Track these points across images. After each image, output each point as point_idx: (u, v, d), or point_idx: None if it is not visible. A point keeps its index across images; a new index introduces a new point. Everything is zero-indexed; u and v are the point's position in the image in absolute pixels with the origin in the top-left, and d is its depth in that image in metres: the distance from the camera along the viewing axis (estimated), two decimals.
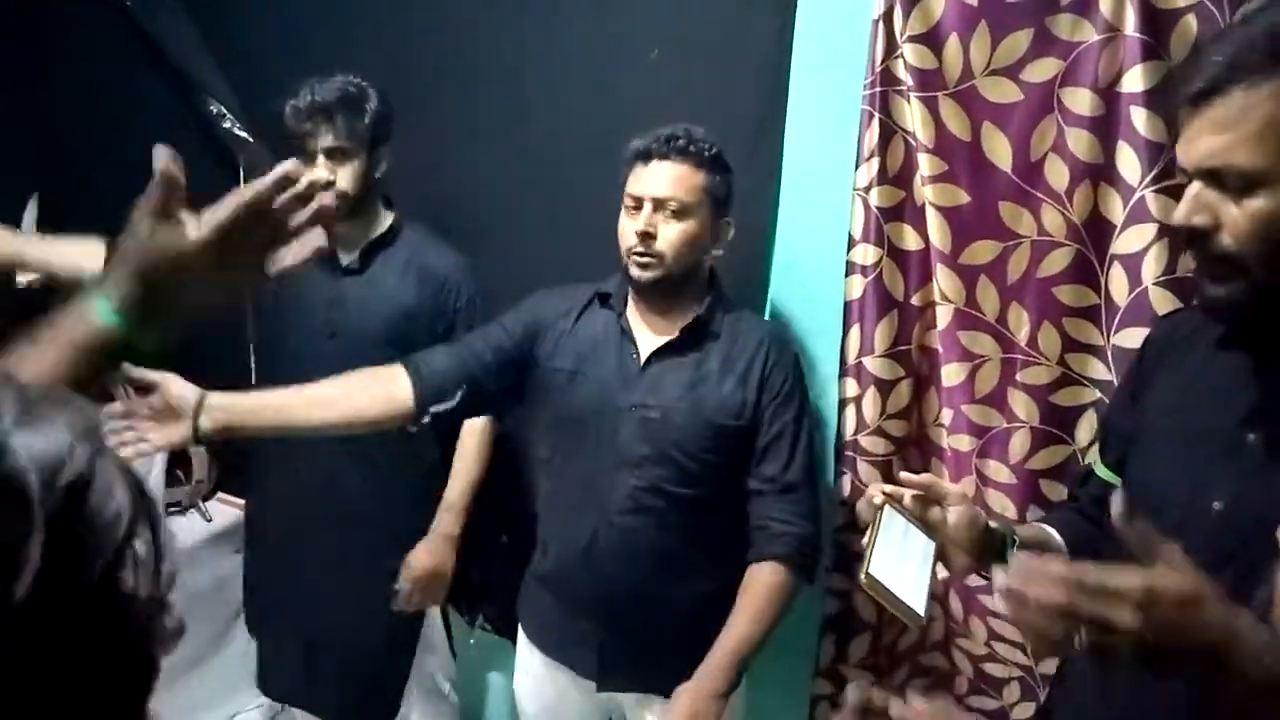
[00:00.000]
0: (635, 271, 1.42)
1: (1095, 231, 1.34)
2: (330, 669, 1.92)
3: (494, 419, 1.85)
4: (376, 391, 1.48)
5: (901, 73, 1.39)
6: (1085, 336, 1.39)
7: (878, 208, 1.46)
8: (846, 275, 1.52)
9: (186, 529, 2.61)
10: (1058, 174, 1.34)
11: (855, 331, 1.54)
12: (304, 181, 0.72)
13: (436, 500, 1.86)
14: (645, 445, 1.44)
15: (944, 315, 1.47)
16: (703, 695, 1.35)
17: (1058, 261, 1.37)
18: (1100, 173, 1.32)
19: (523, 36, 1.86)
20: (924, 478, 1.09)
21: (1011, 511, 1.50)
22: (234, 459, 2.64)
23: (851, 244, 1.51)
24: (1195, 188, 0.85)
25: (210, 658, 2.36)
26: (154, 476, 2.50)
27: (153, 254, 0.70)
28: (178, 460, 2.63)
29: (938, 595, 1.60)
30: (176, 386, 1.33)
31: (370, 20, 2.07)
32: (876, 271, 1.49)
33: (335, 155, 1.66)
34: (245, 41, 2.25)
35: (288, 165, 0.73)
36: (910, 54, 1.36)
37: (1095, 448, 1.23)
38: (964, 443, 1.52)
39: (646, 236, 1.40)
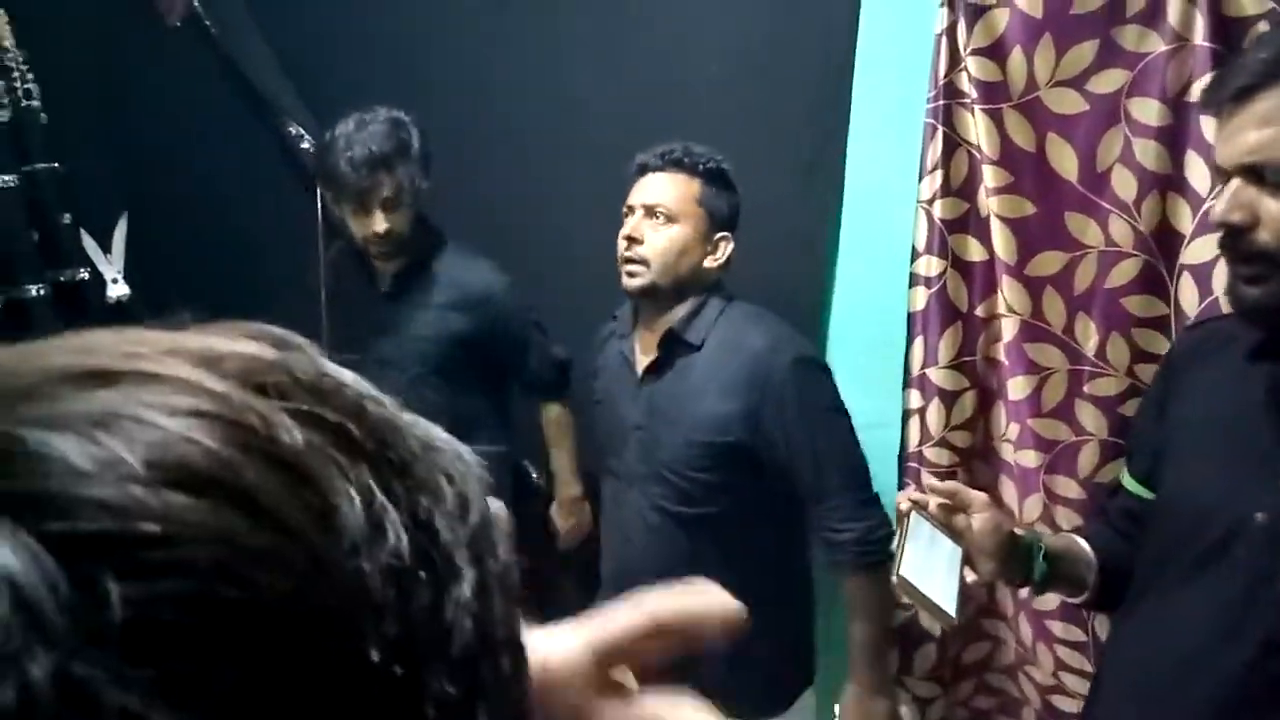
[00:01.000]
0: (624, 280, 1.45)
1: (1164, 242, 1.33)
2: None
3: (568, 408, 1.92)
4: None
5: (965, 85, 1.40)
6: (1155, 347, 1.37)
7: (941, 220, 1.47)
8: (910, 287, 1.53)
9: None
10: (1125, 184, 1.33)
11: (919, 343, 1.54)
12: None
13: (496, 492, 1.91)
14: (643, 465, 1.47)
15: (1009, 327, 1.47)
16: (856, 699, 1.42)
17: (1126, 272, 1.36)
18: (1169, 183, 1.31)
19: (583, 52, 1.91)
20: (948, 485, 1.11)
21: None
22: None
23: (915, 256, 1.51)
24: (1234, 185, 0.85)
25: None
26: None
27: None
28: None
29: (984, 603, 1.60)
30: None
31: (438, 45, 2.14)
32: (940, 283, 1.50)
33: (390, 204, 1.68)
34: (322, 64, 2.34)
35: None
36: (974, 67, 1.37)
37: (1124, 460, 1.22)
38: (1031, 458, 1.51)
39: (632, 241, 1.43)
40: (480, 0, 2.04)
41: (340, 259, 1.91)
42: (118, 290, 2.97)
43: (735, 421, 1.39)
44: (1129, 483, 1.13)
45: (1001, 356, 1.51)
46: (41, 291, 2.71)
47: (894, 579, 1.02)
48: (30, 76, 2.66)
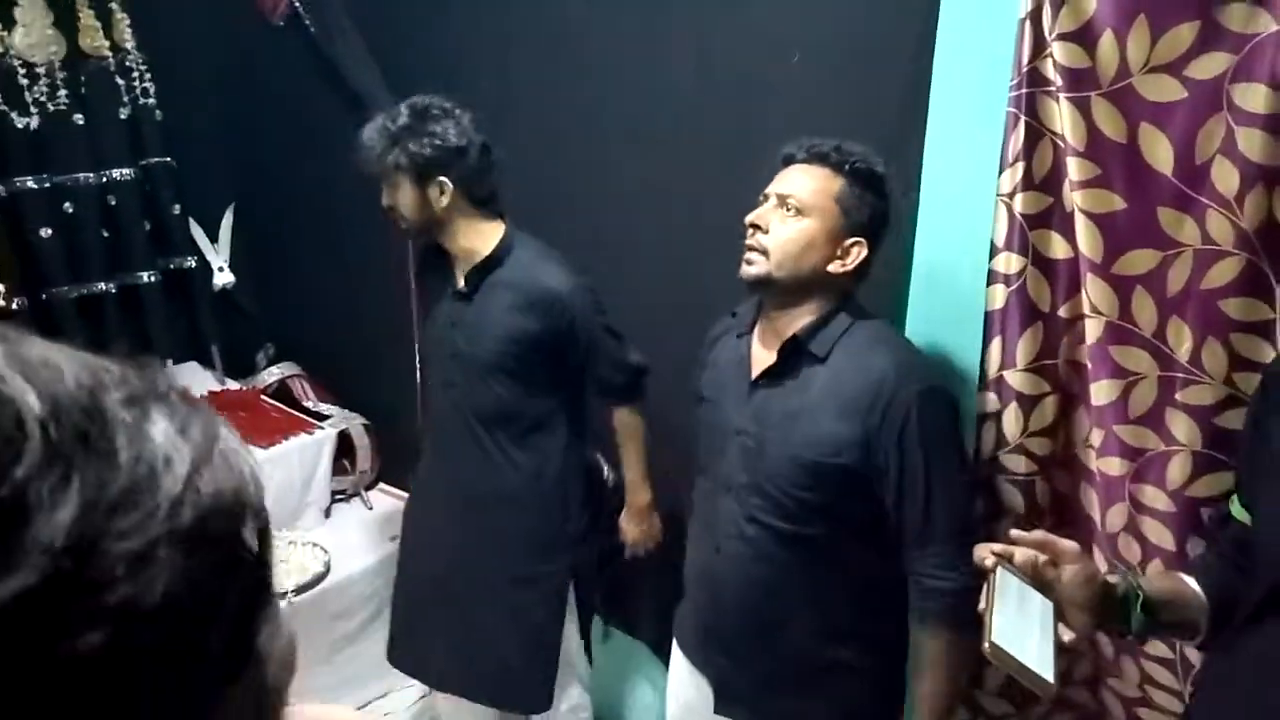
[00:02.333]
0: (742, 267, 1.39)
1: (1269, 240, 1.22)
2: (472, 658, 2.00)
3: (640, 413, 1.91)
4: None
5: (1050, 72, 1.32)
6: (1256, 354, 1.27)
7: (1022, 214, 1.39)
8: (988, 285, 1.46)
9: (350, 515, 2.81)
10: (1226, 177, 1.23)
11: (996, 344, 1.47)
12: None
13: (570, 500, 1.92)
14: (744, 473, 1.42)
15: (1094, 329, 1.38)
16: None
17: (1225, 272, 1.26)
18: (1276, 176, 1.20)
19: (664, 45, 1.90)
20: (1036, 535, 1.03)
21: (1169, 541, 1.39)
22: (394, 452, 2.82)
23: (994, 252, 1.44)
24: None
25: (365, 637, 2.52)
26: (322, 467, 2.69)
27: None
28: (344, 452, 2.83)
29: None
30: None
31: (527, 42, 2.17)
32: (1020, 281, 1.42)
33: (386, 182, 1.78)
34: (415, 62, 2.40)
35: None
36: (1060, 52, 1.29)
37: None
38: (1115, 466, 1.42)
39: (755, 228, 1.38)
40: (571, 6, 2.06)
41: (426, 254, 1.95)
42: (223, 278, 3.13)
43: (849, 444, 1.33)
44: (1237, 511, 1.05)
45: (1085, 359, 1.43)
46: (153, 278, 2.89)
47: (986, 646, 0.94)
48: (148, 76, 2.82)
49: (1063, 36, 1.28)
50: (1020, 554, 1.04)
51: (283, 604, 2.34)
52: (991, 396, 1.50)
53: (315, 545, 2.57)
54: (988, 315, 1.47)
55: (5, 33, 2.55)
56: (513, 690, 1.98)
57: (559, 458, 1.88)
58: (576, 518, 1.94)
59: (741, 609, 1.45)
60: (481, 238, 1.82)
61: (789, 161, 1.42)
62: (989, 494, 1.53)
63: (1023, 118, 1.36)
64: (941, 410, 1.37)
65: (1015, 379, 1.46)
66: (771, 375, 1.42)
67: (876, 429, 1.32)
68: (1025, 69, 1.34)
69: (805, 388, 1.38)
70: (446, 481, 1.97)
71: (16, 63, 2.56)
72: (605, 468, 2.09)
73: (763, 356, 1.44)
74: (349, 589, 2.51)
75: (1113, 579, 1.03)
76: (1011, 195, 1.40)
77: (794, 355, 1.40)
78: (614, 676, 2.38)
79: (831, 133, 1.62)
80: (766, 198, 1.41)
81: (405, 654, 2.11)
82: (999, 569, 1.01)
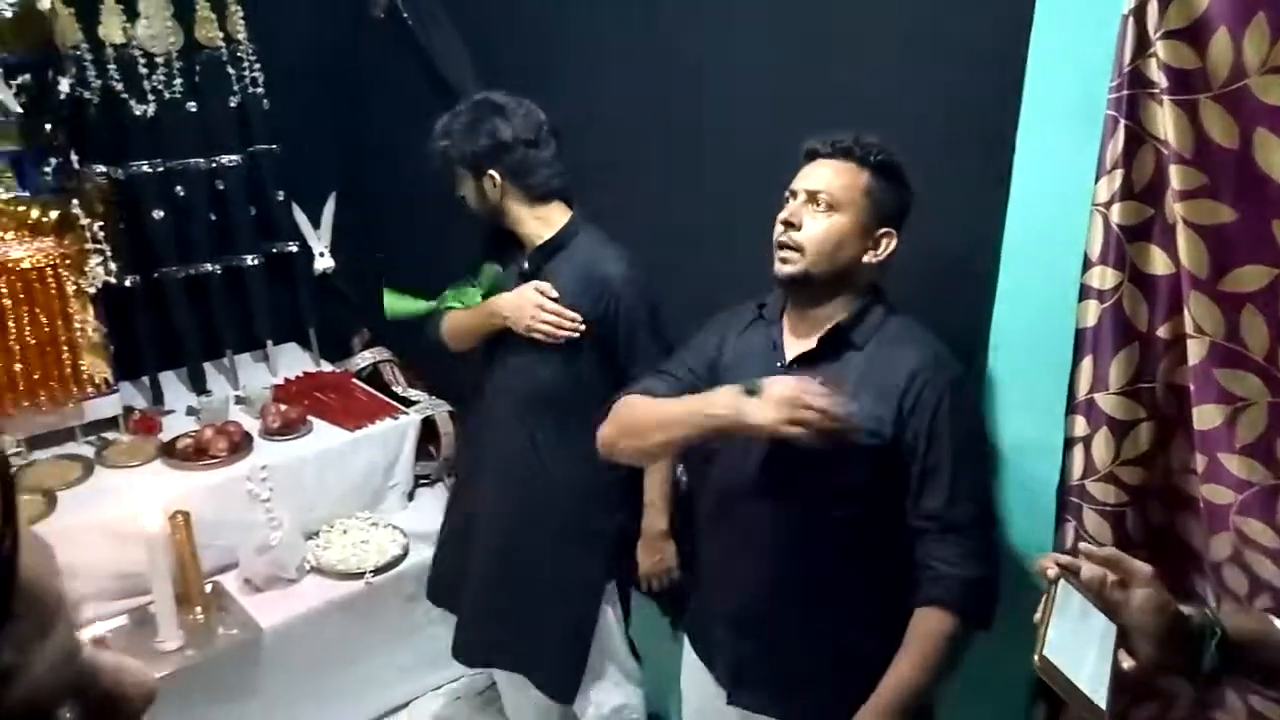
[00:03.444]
0: (776, 265, 1.40)
1: None
2: (507, 636, 2.03)
3: None
4: None
5: (1154, 73, 1.22)
6: None
7: (1119, 226, 1.29)
8: (1080, 300, 1.36)
9: (432, 500, 2.86)
10: None
11: (1087, 363, 1.37)
12: None
13: (610, 493, 1.92)
14: (778, 457, 1.40)
15: (1197, 350, 1.27)
16: None
17: None
18: None
19: (752, 42, 1.85)
20: (1107, 551, 0.96)
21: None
22: None
23: (1087, 265, 1.35)
24: None
25: (441, 621, 2.54)
26: (405, 452, 2.75)
27: None
28: (430, 438, 2.89)
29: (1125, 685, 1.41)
30: None
31: (613, 39, 2.16)
32: (1115, 297, 1.32)
33: (451, 171, 1.90)
34: (507, 56, 2.42)
35: None
36: (1166, 52, 1.19)
37: None
38: (1221, 494, 1.31)
39: (789, 226, 1.38)
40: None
41: (498, 236, 1.98)
42: (324, 263, 3.22)
43: (885, 425, 1.35)
44: None
45: (1187, 382, 1.32)
46: (256, 261, 2.99)
47: (1036, 660, 0.89)
48: (258, 66, 2.92)
49: (1170, 34, 1.18)
50: (1087, 569, 0.98)
51: (361, 583, 2.41)
52: (1080, 420, 1.40)
53: (395, 528, 2.63)
54: (1079, 333, 1.38)
55: (128, 24, 2.68)
56: (542, 668, 2.01)
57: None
58: (617, 511, 1.94)
59: (768, 594, 1.46)
60: (544, 224, 1.88)
61: (812, 156, 1.42)
62: (1076, 523, 1.44)
63: (1122, 121, 1.26)
64: (969, 401, 1.40)
65: (1107, 402, 1.36)
66: (806, 361, 1.42)
67: (910, 411, 1.35)
68: (1126, 69, 1.24)
69: (842, 373, 1.39)
70: (492, 462, 2.00)
71: (137, 53, 2.69)
72: (680, 473, 2.06)
73: (795, 343, 1.45)
74: (426, 573, 2.56)
75: (1187, 610, 0.95)
76: (1108, 205, 1.30)
77: (834, 342, 1.41)
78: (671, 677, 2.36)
79: (921, 136, 1.56)
80: (794, 194, 1.41)
81: (464, 640, 2.15)
82: (1062, 582, 0.95)
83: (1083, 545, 1.00)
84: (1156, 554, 1.43)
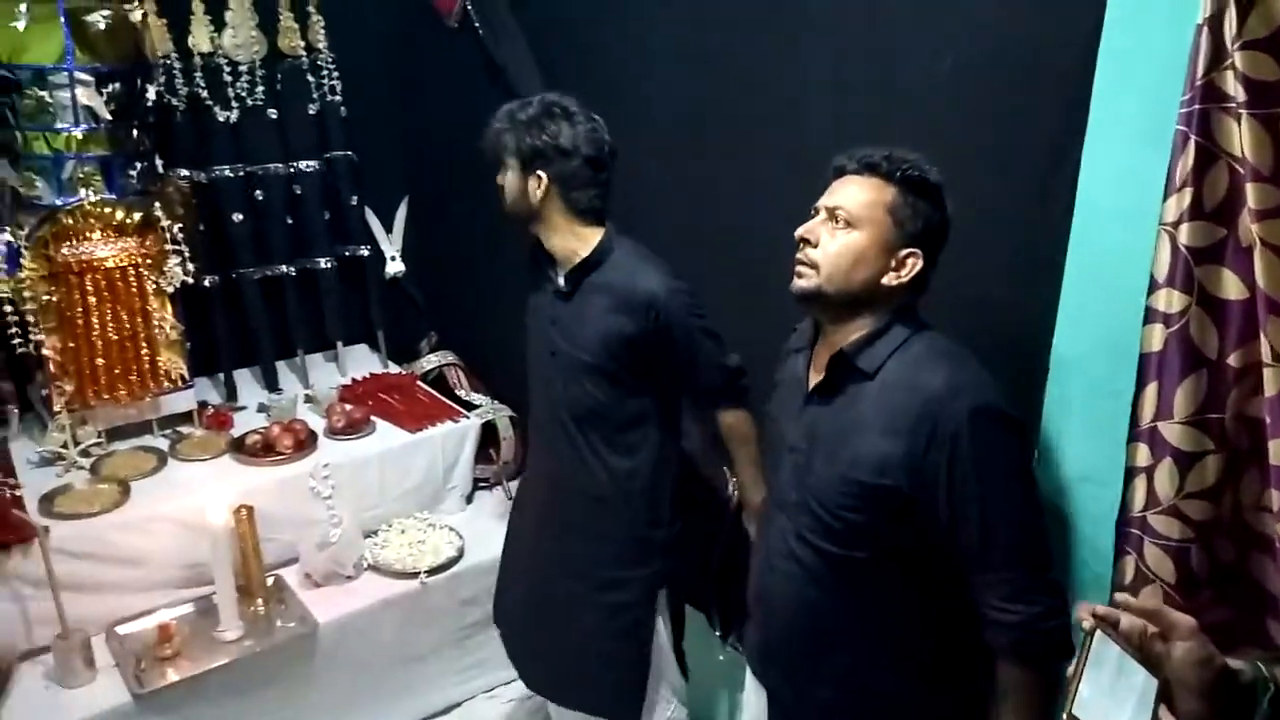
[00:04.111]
0: (793, 281, 1.35)
1: None
2: (562, 663, 2.01)
3: (748, 414, 1.87)
4: None
5: (1230, 86, 1.15)
6: None
7: (1187, 247, 1.22)
8: (1144, 324, 1.30)
9: (490, 504, 2.89)
10: None
11: (1151, 390, 1.30)
12: None
13: (660, 503, 1.90)
14: (794, 491, 1.37)
15: (1274, 380, 1.20)
16: None
17: None
18: None
19: (807, 53, 1.82)
20: (1147, 603, 0.91)
21: None
22: None
23: (1153, 287, 1.28)
24: None
25: (483, 629, 2.56)
26: (465, 455, 2.78)
27: None
28: (490, 441, 2.92)
29: None
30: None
31: (668, 51, 2.16)
32: (1182, 322, 1.25)
33: (499, 164, 1.83)
34: (569, 67, 2.43)
35: None
36: (1245, 63, 1.12)
37: None
38: None
39: (804, 241, 1.33)
40: (717, 12, 2.02)
41: (534, 251, 1.97)
42: (394, 267, 3.30)
43: (896, 465, 1.26)
44: None
45: (1263, 414, 1.24)
46: (329, 264, 3.08)
47: (1064, 718, 0.85)
48: (336, 74, 3.01)
49: (1249, 45, 1.12)
50: (1126, 620, 0.92)
51: (415, 583, 2.44)
52: (1143, 449, 1.33)
53: (452, 530, 2.67)
54: (1142, 358, 1.31)
55: (216, 34, 2.79)
56: (599, 697, 1.97)
57: (651, 461, 1.86)
58: (667, 522, 1.92)
59: (791, 630, 1.42)
60: (580, 240, 1.84)
61: (840, 173, 1.37)
62: (1135, 557, 1.37)
63: (1194, 137, 1.19)
64: (997, 430, 1.26)
65: (1172, 432, 1.29)
66: (822, 392, 1.37)
67: (925, 449, 1.25)
68: (1200, 82, 1.17)
69: (853, 405, 1.33)
70: (544, 478, 1.99)
71: (223, 61, 2.80)
72: (730, 483, 2.04)
73: (815, 373, 1.40)
74: (481, 576, 2.57)
75: (1236, 664, 0.89)
76: (1176, 225, 1.23)
77: (841, 371, 1.34)
78: (718, 692, 2.33)
79: (982, 151, 1.51)
80: (817, 211, 1.36)
81: (513, 652, 2.15)
82: (1098, 634, 0.90)
83: (1118, 595, 0.94)
84: (1224, 594, 1.35)
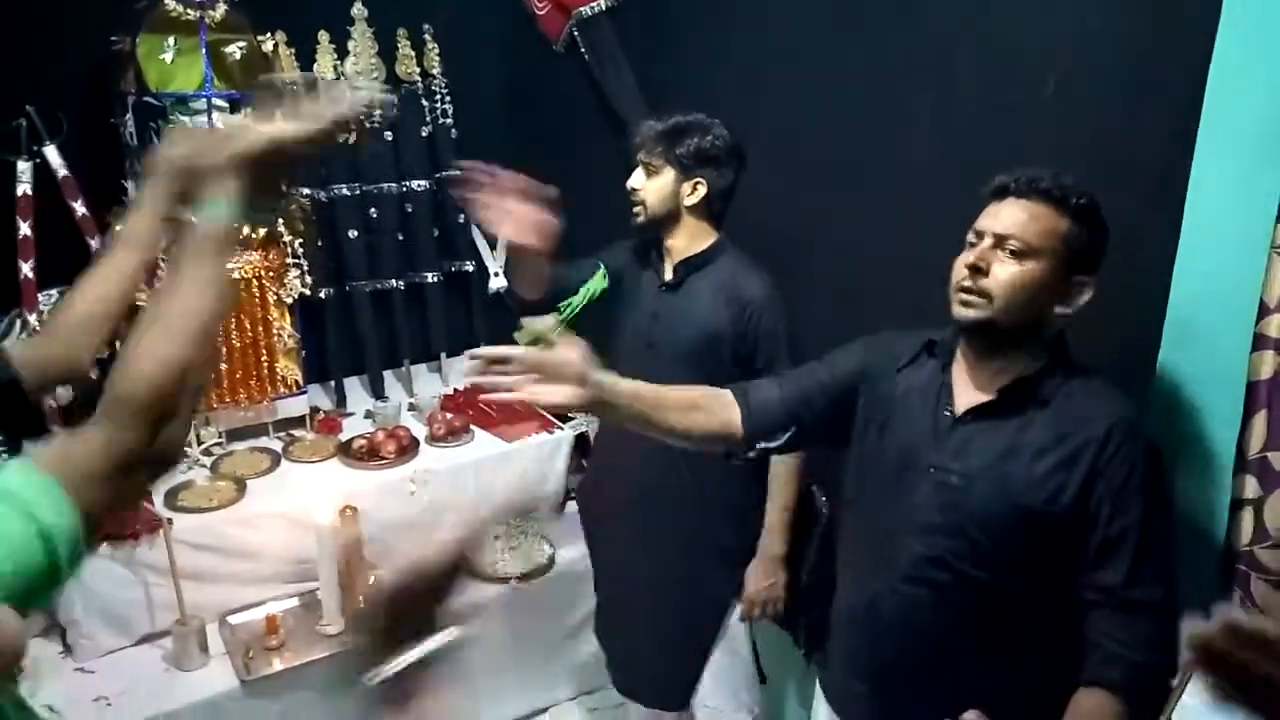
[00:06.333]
0: (957, 309, 1.30)
1: None
2: (636, 659, 2.08)
3: (795, 455, 1.89)
4: (717, 414, 1.49)
5: None
6: None
7: None
8: (1253, 351, 1.25)
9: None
10: None
11: (1260, 419, 1.25)
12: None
13: (739, 510, 1.93)
14: (938, 513, 1.32)
15: None
16: None
17: None
18: None
19: (913, 68, 1.82)
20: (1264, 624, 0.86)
21: None
22: None
23: (1264, 313, 1.24)
24: None
25: (585, 630, 2.60)
26: (559, 464, 2.84)
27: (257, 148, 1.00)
28: (582, 452, 2.97)
29: None
30: (574, 352, 1.34)
31: (778, 73, 2.19)
32: None
33: (648, 170, 1.89)
34: (673, 92, 2.48)
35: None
36: None
37: None
38: None
39: (976, 271, 1.28)
40: (816, 34, 2.04)
41: (641, 248, 2.04)
42: (498, 282, 3.39)
43: (1068, 491, 1.24)
44: None
45: None
46: (436, 279, 3.20)
47: None
48: (448, 98, 3.14)
49: None
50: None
51: (507, 588, 2.51)
52: (1251, 480, 1.28)
53: (543, 538, 2.72)
54: (1251, 386, 1.26)
55: (339, 62, 2.96)
56: (655, 688, 2.04)
57: (741, 469, 1.87)
58: (746, 529, 1.94)
59: (914, 655, 1.37)
60: (695, 240, 1.93)
61: (1002, 194, 1.30)
62: (1242, 592, 1.31)
63: None
64: (1162, 471, 1.26)
65: None
66: (982, 414, 1.32)
67: (1097, 476, 1.23)
68: None
69: (1024, 429, 1.29)
70: (624, 474, 2.03)
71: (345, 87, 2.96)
72: (820, 497, 2.03)
73: (969, 392, 1.35)
74: (571, 584, 2.63)
75: None
76: None
77: (1016, 395, 1.30)
78: (790, 705, 2.32)
79: (1090, 170, 1.47)
80: (980, 235, 1.30)
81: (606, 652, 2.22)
82: (1197, 674, 0.86)
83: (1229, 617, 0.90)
84: None
